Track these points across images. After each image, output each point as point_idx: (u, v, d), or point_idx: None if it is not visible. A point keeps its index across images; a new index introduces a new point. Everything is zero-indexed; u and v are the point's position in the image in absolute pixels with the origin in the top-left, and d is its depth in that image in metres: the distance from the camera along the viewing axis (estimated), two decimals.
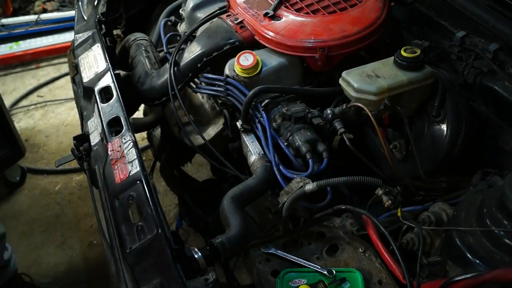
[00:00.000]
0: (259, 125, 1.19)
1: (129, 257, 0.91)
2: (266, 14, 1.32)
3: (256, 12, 1.35)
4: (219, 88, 1.29)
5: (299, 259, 0.96)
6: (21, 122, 3.07)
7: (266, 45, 1.30)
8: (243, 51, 1.26)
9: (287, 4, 1.35)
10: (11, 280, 1.84)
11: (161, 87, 1.39)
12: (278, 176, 1.09)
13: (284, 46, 1.26)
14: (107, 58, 1.44)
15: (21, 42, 3.67)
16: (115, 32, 1.82)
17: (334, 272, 0.91)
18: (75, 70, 1.54)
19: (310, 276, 0.92)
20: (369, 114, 1.05)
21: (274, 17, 1.32)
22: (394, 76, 1.09)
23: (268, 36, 1.28)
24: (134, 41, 1.58)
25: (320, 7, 1.32)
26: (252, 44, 1.32)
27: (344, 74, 1.12)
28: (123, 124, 1.18)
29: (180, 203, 2.01)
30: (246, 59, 1.24)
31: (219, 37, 1.33)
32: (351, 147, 1.07)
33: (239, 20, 1.35)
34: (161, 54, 1.59)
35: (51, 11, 3.96)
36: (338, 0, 1.34)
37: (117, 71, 1.45)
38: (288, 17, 1.31)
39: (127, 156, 1.11)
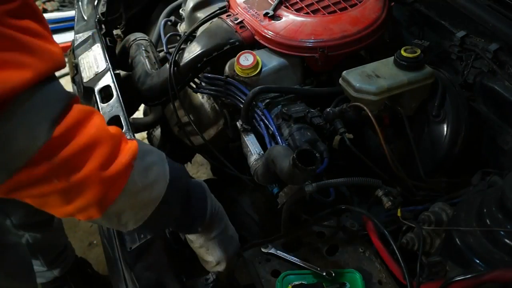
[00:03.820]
0: (261, 123, 1.18)
1: (129, 257, 0.91)
2: (266, 14, 1.32)
3: (256, 12, 1.35)
4: (219, 88, 1.29)
5: (298, 259, 0.96)
6: None
7: (266, 45, 1.30)
8: (243, 51, 1.26)
9: (287, 4, 1.35)
10: (76, 261, 1.90)
11: (161, 87, 1.38)
12: None
13: (284, 46, 1.26)
14: (107, 58, 1.44)
15: None
16: (115, 32, 1.82)
17: (333, 274, 0.91)
18: (75, 70, 1.54)
19: (310, 278, 0.92)
20: (369, 114, 1.05)
21: (274, 17, 1.32)
22: (394, 76, 1.09)
23: (268, 36, 1.28)
24: (134, 41, 1.58)
25: (320, 7, 1.32)
26: (252, 44, 1.32)
27: (344, 74, 1.12)
28: (123, 124, 1.18)
29: None
30: (246, 59, 1.24)
31: (219, 37, 1.33)
32: (351, 147, 1.07)
33: (239, 20, 1.35)
34: (161, 54, 1.59)
35: (51, 11, 3.94)
36: (338, 0, 1.34)
37: (117, 71, 1.45)
38: (288, 17, 1.31)
39: None
